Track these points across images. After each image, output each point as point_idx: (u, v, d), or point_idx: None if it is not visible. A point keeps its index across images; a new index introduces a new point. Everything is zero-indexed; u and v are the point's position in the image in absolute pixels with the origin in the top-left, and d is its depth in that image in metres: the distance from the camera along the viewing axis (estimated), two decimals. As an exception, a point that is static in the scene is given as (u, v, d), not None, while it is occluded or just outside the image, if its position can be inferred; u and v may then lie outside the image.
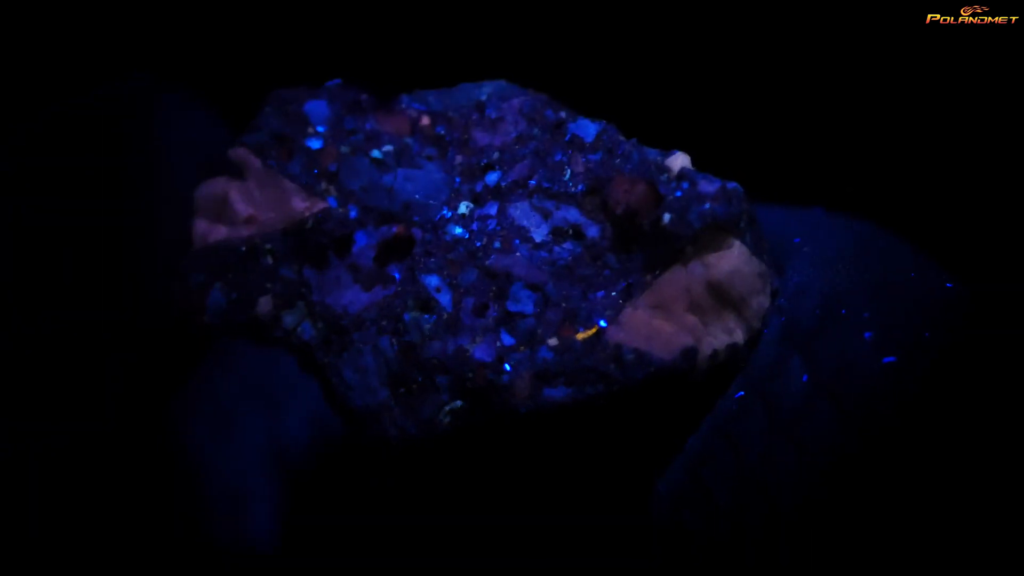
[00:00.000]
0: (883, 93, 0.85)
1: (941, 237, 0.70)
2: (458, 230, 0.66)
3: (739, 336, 0.63)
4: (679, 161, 0.64)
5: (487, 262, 0.64)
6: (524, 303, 0.64)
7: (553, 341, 0.63)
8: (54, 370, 0.72)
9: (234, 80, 0.84)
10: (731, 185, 0.63)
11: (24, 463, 0.72)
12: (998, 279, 0.70)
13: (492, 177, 0.67)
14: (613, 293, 0.64)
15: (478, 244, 0.65)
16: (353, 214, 0.66)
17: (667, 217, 0.62)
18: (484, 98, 0.69)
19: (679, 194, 0.62)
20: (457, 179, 0.67)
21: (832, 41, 0.83)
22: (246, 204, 0.66)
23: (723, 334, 0.63)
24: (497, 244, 0.65)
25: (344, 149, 0.67)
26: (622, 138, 0.66)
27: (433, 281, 0.65)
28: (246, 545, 0.72)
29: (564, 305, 0.63)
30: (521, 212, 0.65)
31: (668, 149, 0.65)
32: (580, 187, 0.65)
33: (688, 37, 0.82)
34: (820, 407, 0.59)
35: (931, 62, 0.82)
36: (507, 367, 0.62)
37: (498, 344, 0.63)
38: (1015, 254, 0.81)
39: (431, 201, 0.66)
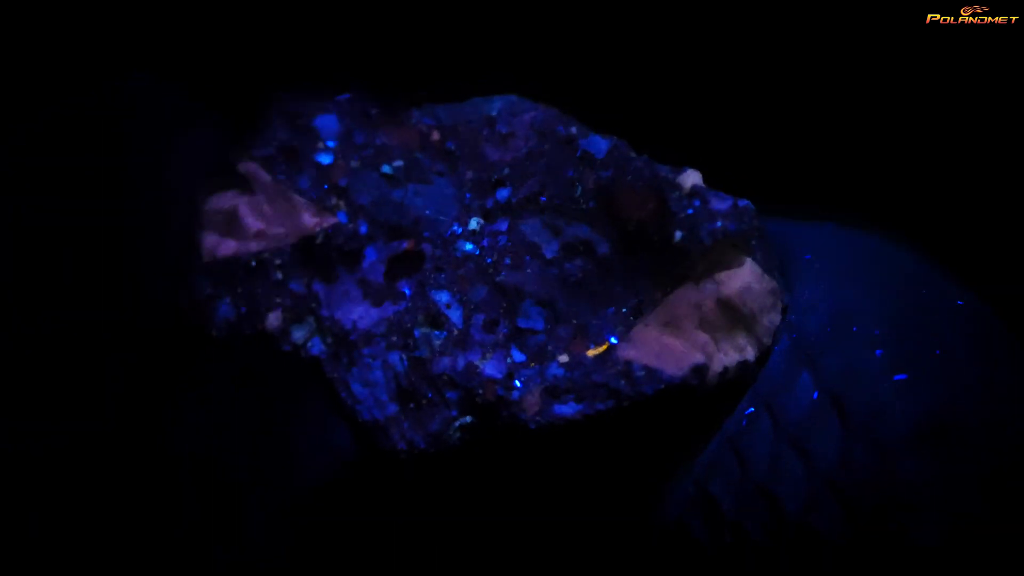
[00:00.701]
0: (883, 93, 0.84)
1: (951, 248, 0.70)
2: (468, 246, 0.66)
3: (750, 353, 0.64)
4: (690, 178, 0.64)
5: (498, 278, 0.64)
6: (534, 319, 0.64)
7: (564, 357, 0.63)
8: (54, 370, 0.72)
9: (235, 80, 0.84)
10: (743, 202, 0.63)
11: (24, 463, 0.72)
12: (1004, 286, 0.70)
13: (503, 193, 0.66)
14: (624, 310, 0.64)
15: (488, 260, 0.65)
16: (363, 229, 0.66)
17: (678, 234, 0.62)
18: (495, 113, 0.68)
19: (690, 211, 0.63)
20: (467, 195, 0.67)
21: (832, 41, 0.83)
22: (255, 218, 0.66)
23: (734, 351, 0.63)
24: (508, 260, 0.65)
25: (354, 164, 0.67)
26: (633, 154, 0.65)
27: (443, 297, 0.64)
28: (249, 559, 0.72)
29: (575, 321, 0.63)
30: (532, 228, 0.65)
31: (679, 166, 0.65)
32: (591, 203, 0.65)
33: (698, 55, 0.82)
34: (830, 424, 0.59)
35: (931, 62, 0.82)
36: (517, 383, 0.62)
37: (508, 360, 0.63)
38: (1018, 258, 0.81)
39: (441, 217, 0.66)
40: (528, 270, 0.64)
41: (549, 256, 0.65)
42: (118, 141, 0.75)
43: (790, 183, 0.78)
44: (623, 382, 0.61)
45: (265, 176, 0.66)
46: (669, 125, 0.77)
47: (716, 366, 0.63)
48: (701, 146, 0.71)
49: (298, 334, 0.65)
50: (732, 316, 0.63)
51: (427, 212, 0.66)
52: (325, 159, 0.67)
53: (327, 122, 0.68)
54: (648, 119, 0.75)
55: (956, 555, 0.57)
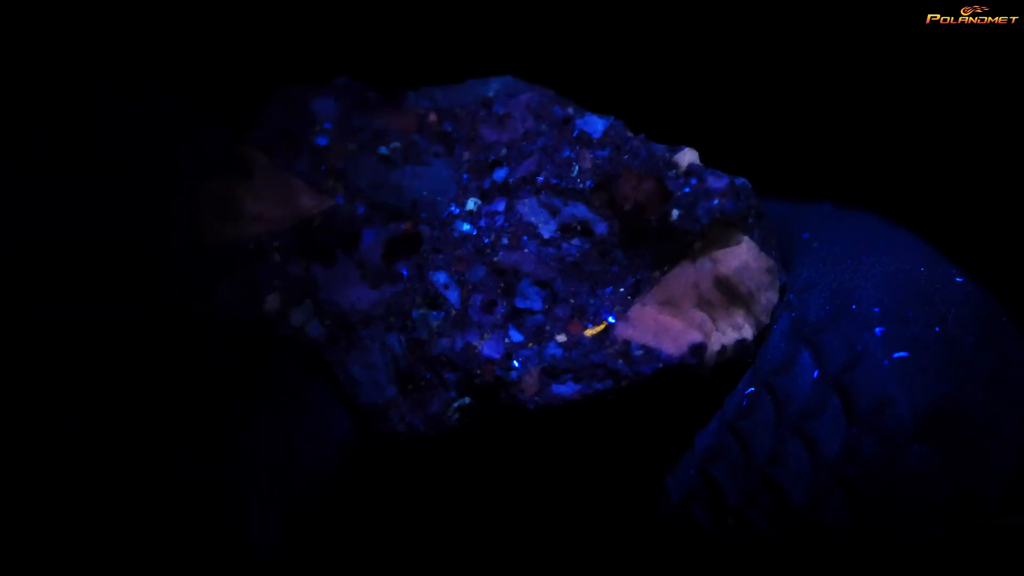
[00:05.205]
0: (884, 92, 0.85)
1: (947, 233, 0.70)
2: (466, 227, 0.66)
3: (748, 332, 0.64)
4: (687, 157, 0.64)
5: (495, 259, 0.64)
6: (532, 299, 0.64)
7: (561, 337, 0.63)
8: (55, 369, 0.72)
9: (234, 79, 0.84)
10: (739, 181, 0.63)
11: (30, 461, 0.72)
12: (1000, 273, 0.70)
13: (500, 173, 0.67)
14: (621, 289, 0.64)
15: (486, 241, 0.65)
16: (360, 211, 0.66)
17: (675, 213, 0.62)
18: (491, 94, 0.68)
19: (687, 190, 0.63)
20: (465, 176, 0.67)
21: (833, 40, 0.84)
22: (254, 202, 0.66)
23: (732, 330, 0.63)
24: (505, 241, 0.65)
25: (351, 146, 0.67)
26: (630, 134, 0.66)
27: (441, 278, 0.65)
28: (251, 545, 0.72)
29: (572, 301, 0.63)
30: (529, 208, 0.65)
31: (676, 145, 0.65)
32: (588, 183, 0.65)
33: (694, 34, 0.82)
34: (830, 403, 0.59)
35: (931, 62, 0.83)
36: (515, 363, 0.62)
37: (506, 340, 0.63)
38: (1015, 249, 0.82)
39: (439, 198, 0.66)
40: (526, 250, 0.64)
41: (546, 236, 0.65)
42: (119, 140, 0.75)
43: (787, 168, 0.78)
44: (621, 362, 0.61)
45: (263, 159, 0.67)
46: (666, 105, 0.78)
47: (714, 345, 0.62)
48: (699, 126, 0.71)
49: (296, 317, 0.65)
50: (730, 294, 0.63)
51: (424, 193, 0.67)
52: (322, 142, 0.67)
53: (324, 105, 0.68)
54: (646, 98, 0.75)
55: (964, 545, 0.56)
